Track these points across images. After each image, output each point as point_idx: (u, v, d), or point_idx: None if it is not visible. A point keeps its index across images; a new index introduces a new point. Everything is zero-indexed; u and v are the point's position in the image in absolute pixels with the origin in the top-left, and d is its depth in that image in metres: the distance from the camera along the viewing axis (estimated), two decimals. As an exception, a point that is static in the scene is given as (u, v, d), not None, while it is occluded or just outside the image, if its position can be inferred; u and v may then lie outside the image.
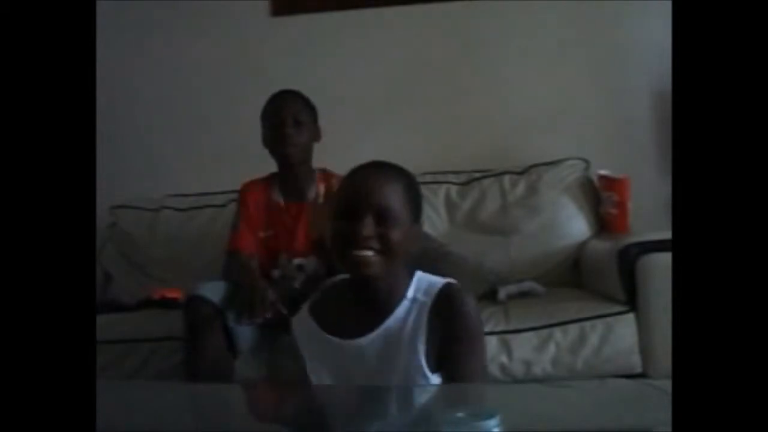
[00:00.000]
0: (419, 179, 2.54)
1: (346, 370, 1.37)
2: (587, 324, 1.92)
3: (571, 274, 2.39)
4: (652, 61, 2.62)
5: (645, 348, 1.89)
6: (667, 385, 0.92)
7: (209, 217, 2.63)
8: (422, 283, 1.38)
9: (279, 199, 2.18)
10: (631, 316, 1.93)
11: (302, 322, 1.44)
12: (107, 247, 2.69)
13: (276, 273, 2.13)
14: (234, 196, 2.43)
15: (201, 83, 2.86)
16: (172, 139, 2.86)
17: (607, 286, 2.07)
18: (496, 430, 0.82)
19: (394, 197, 1.34)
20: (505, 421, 0.82)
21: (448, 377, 1.31)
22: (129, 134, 2.86)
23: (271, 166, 2.21)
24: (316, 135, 2.18)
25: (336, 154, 2.27)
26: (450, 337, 1.33)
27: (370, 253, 1.29)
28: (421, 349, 1.33)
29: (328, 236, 1.36)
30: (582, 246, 2.41)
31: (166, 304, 2.29)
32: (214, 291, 1.90)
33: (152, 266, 2.62)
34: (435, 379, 1.32)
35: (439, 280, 1.37)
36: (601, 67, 2.74)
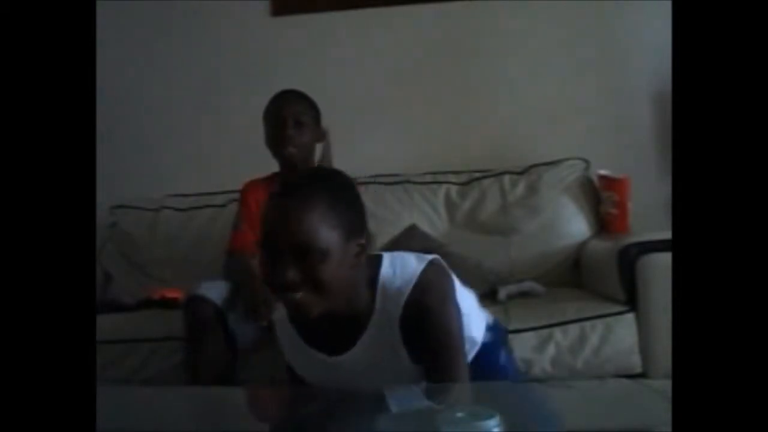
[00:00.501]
0: (419, 179, 2.59)
1: (333, 379, 1.33)
2: (587, 324, 1.92)
3: (571, 274, 2.39)
4: (652, 61, 2.62)
5: (645, 348, 1.89)
6: (667, 385, 0.92)
7: (209, 217, 2.63)
8: (389, 288, 1.27)
9: None
10: (631, 316, 1.93)
11: (283, 330, 1.38)
12: (107, 247, 2.69)
13: None
14: (234, 196, 2.43)
15: (201, 83, 2.86)
16: (172, 139, 2.85)
17: (607, 286, 2.07)
18: (496, 430, 0.82)
19: (312, 229, 1.17)
20: (505, 421, 0.82)
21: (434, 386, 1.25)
22: (129, 134, 2.86)
23: (271, 166, 2.21)
24: (318, 136, 2.17)
25: (336, 154, 2.28)
26: (426, 349, 1.26)
27: (298, 295, 1.18)
28: (404, 354, 1.27)
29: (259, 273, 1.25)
30: (582, 246, 2.41)
31: (166, 304, 2.29)
32: (214, 291, 1.90)
33: (152, 266, 2.62)
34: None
35: (405, 282, 1.25)
36: (601, 67, 2.74)
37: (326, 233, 1.18)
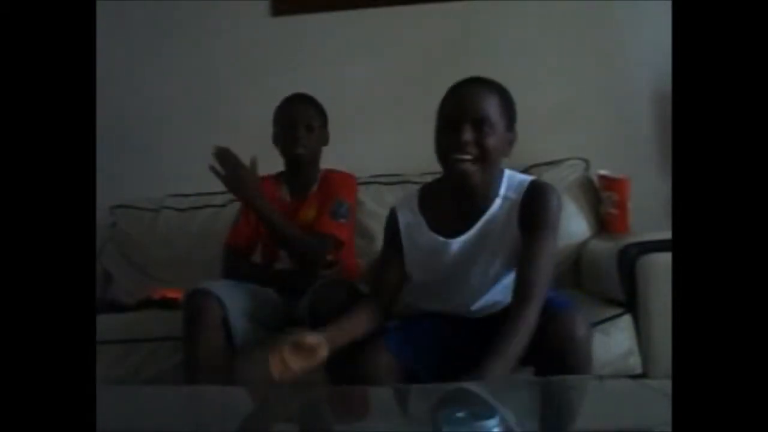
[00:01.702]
0: (419, 179, 2.59)
1: (437, 263, 1.62)
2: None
3: (571, 274, 2.39)
4: (652, 61, 2.62)
5: (645, 348, 1.89)
6: (667, 385, 0.92)
7: (209, 217, 2.63)
8: (513, 181, 1.62)
9: (286, 196, 2.22)
10: (629, 317, 1.92)
11: (411, 216, 1.67)
12: (107, 247, 2.69)
13: (279, 265, 2.18)
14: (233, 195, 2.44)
15: (201, 83, 2.86)
16: (172, 139, 2.85)
17: (607, 287, 2.07)
18: (496, 430, 0.82)
19: (490, 108, 1.54)
20: (505, 421, 0.82)
21: (519, 264, 1.53)
22: (129, 134, 2.85)
23: (271, 166, 2.23)
24: (325, 139, 2.25)
25: (336, 153, 2.28)
26: (529, 224, 1.55)
27: (468, 156, 1.51)
28: (509, 244, 1.57)
29: (435, 148, 1.58)
30: (582, 246, 2.40)
31: (166, 304, 2.29)
32: (217, 287, 1.90)
33: (152, 266, 2.62)
34: (509, 277, 1.57)
35: (526, 178, 1.63)
36: (601, 67, 2.74)
37: (498, 114, 1.55)
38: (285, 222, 2.04)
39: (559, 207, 1.59)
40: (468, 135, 1.51)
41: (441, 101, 1.61)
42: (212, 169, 2.01)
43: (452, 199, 1.63)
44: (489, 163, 1.54)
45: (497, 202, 1.60)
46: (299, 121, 2.16)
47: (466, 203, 1.61)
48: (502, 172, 1.63)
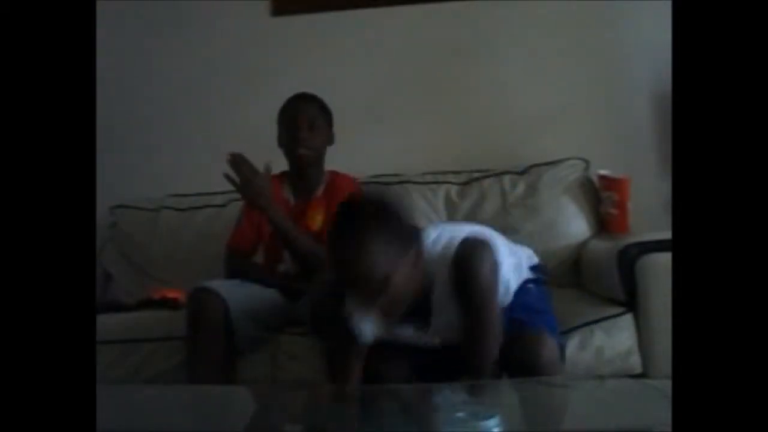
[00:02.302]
0: (419, 179, 2.59)
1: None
2: (587, 325, 1.91)
3: (571, 275, 2.39)
4: (652, 61, 2.62)
5: (645, 348, 1.89)
6: (667, 385, 0.92)
7: (209, 217, 2.63)
8: (436, 260, 1.49)
9: (289, 197, 2.22)
10: (630, 316, 1.92)
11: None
12: (107, 248, 2.69)
13: (281, 267, 2.16)
14: (234, 196, 2.43)
15: (201, 83, 2.86)
16: (172, 139, 2.85)
17: (607, 287, 2.07)
18: (496, 430, 0.82)
19: (377, 265, 1.36)
20: (505, 421, 0.82)
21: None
22: (129, 134, 2.85)
23: (275, 167, 2.22)
24: (329, 139, 2.23)
25: (337, 154, 2.28)
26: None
27: (374, 313, 1.39)
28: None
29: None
30: (582, 246, 2.40)
31: (167, 304, 2.29)
32: (220, 286, 1.90)
33: (152, 266, 2.62)
34: None
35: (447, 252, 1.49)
36: (601, 67, 2.74)
37: (384, 265, 1.36)
38: (297, 231, 2.03)
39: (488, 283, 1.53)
40: (361, 300, 1.42)
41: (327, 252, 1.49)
42: (227, 176, 1.98)
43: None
44: (398, 309, 1.48)
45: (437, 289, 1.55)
46: (303, 121, 2.13)
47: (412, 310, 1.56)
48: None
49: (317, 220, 2.14)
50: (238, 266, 2.16)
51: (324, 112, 2.21)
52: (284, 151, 2.19)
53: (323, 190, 2.20)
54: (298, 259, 2.07)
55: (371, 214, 1.41)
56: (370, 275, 1.35)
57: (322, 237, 2.06)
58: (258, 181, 1.97)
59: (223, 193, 2.61)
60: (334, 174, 2.24)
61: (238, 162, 1.97)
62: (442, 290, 1.51)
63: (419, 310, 1.52)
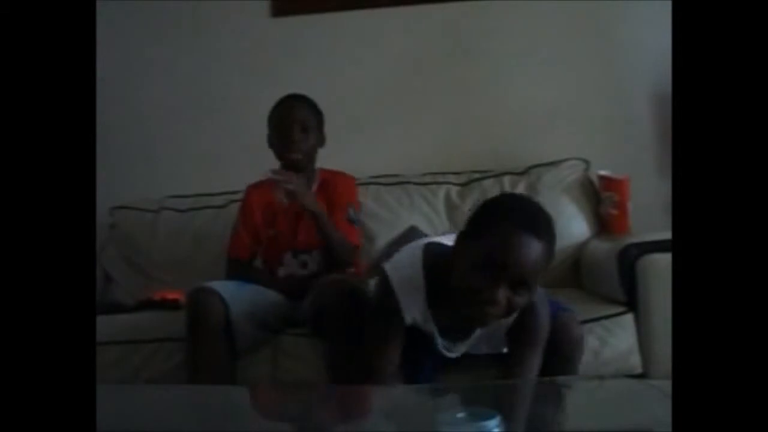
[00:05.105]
0: (419, 180, 2.59)
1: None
2: (587, 325, 1.91)
3: (571, 275, 2.39)
4: (652, 61, 2.62)
5: (645, 348, 1.89)
6: (667, 385, 0.92)
7: (209, 217, 2.63)
8: None
9: (282, 199, 2.19)
10: (630, 316, 1.92)
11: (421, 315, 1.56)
12: (107, 249, 2.68)
13: (281, 270, 2.16)
14: (234, 196, 2.44)
15: (201, 83, 2.86)
16: (172, 139, 2.85)
17: (607, 287, 2.07)
18: (496, 430, 0.82)
19: (534, 268, 1.38)
20: (505, 421, 0.82)
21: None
22: (129, 134, 2.85)
23: (270, 166, 2.22)
24: (321, 140, 2.21)
25: (337, 154, 2.28)
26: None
27: (496, 311, 1.38)
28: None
29: (455, 280, 1.42)
30: (582, 246, 2.40)
31: (166, 305, 2.29)
32: (220, 286, 1.90)
33: (152, 267, 2.61)
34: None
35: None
36: (601, 67, 2.74)
37: (539, 271, 1.39)
38: (334, 228, 2.07)
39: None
40: (503, 295, 1.40)
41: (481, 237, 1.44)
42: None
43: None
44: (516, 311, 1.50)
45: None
46: (294, 122, 2.11)
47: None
48: None
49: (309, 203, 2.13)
50: (240, 274, 2.13)
51: (315, 113, 2.18)
52: (275, 153, 2.16)
53: (315, 189, 2.20)
54: (337, 257, 2.09)
55: (546, 215, 1.47)
56: (531, 278, 1.38)
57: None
58: (300, 184, 2.03)
59: (223, 193, 2.62)
60: (326, 172, 2.23)
61: (281, 173, 2.04)
62: None
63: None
